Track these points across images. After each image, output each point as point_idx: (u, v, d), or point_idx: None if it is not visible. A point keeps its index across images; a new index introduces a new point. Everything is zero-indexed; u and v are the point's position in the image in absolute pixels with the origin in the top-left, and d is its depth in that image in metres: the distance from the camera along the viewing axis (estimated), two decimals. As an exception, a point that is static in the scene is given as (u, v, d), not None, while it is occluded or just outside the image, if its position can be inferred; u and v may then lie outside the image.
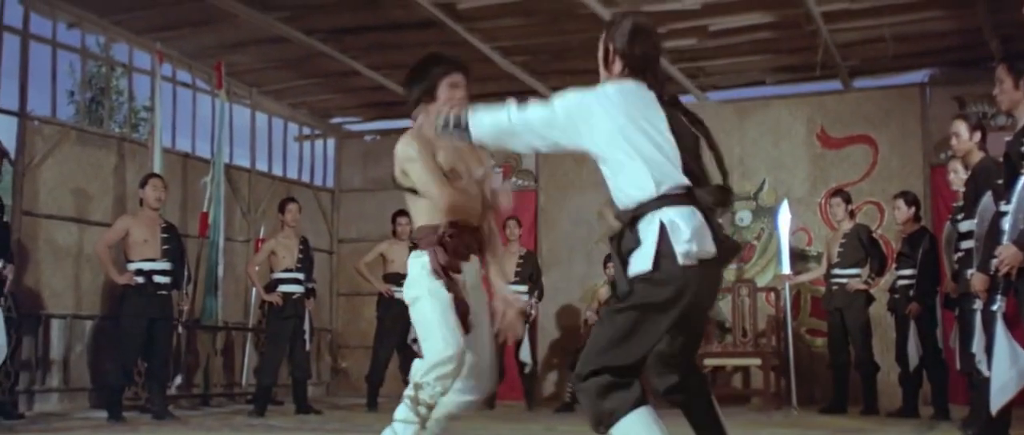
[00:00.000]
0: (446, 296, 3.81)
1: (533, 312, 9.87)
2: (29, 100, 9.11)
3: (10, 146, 8.78)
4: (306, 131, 12.71)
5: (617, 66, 3.48)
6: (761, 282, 10.39)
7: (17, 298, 8.16)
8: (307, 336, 9.05)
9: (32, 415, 8.27)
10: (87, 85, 11.96)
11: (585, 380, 3.12)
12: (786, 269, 9.29)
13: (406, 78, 4.22)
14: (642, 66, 3.46)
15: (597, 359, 3.12)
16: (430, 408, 3.72)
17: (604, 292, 9.83)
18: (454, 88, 4.07)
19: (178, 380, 9.59)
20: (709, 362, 9.72)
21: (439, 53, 4.42)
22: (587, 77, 12.18)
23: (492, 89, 11.07)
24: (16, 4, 9.07)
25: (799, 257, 10.07)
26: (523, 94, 11.20)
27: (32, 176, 9.00)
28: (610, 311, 3.23)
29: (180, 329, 9.37)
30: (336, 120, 12.84)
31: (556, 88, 11.08)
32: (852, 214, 9.13)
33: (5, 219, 7.12)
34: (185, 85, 10.93)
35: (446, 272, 3.84)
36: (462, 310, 3.83)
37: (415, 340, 9.35)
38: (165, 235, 8.27)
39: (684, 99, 10.80)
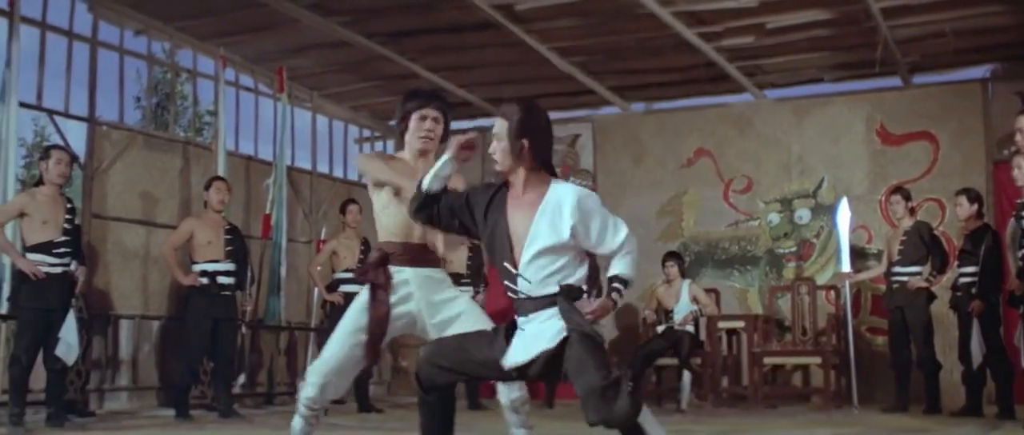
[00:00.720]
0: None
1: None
2: (98, 106, 9.33)
3: (80, 151, 9.03)
4: (366, 133, 12.87)
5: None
6: (821, 280, 10.35)
7: (88, 299, 8.39)
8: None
9: (103, 413, 8.46)
10: (153, 90, 12.21)
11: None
12: (846, 267, 9.23)
13: None
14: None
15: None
16: (309, 408, 4.27)
17: (662, 292, 9.85)
18: (423, 120, 4.49)
19: (242, 379, 9.76)
20: (768, 361, 9.70)
21: (419, 89, 4.89)
22: (643, 76, 12.24)
23: (550, 90, 11.18)
24: (85, 13, 9.30)
25: (859, 255, 10.01)
26: (580, 94, 11.28)
27: (101, 180, 9.22)
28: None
29: (244, 329, 9.52)
30: (395, 122, 12.95)
31: (613, 88, 11.26)
32: (913, 211, 9.04)
33: (77, 222, 7.29)
34: (248, 89, 11.11)
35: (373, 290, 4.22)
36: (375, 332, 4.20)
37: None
38: (229, 237, 8.41)
39: (742, 97, 10.92)
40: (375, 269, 4.24)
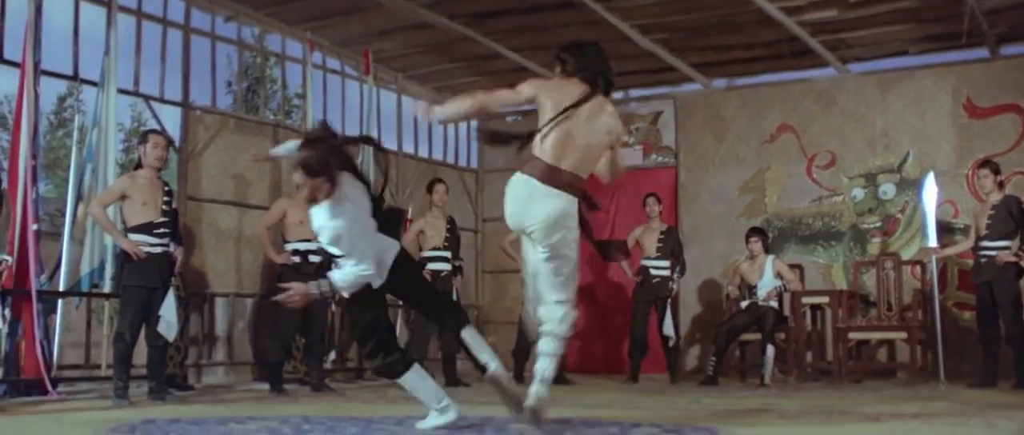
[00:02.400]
0: None
1: (675, 286, 9.97)
2: (191, 91, 9.63)
3: (175, 135, 9.33)
4: (450, 114, 13.00)
5: None
6: (906, 255, 10.27)
7: (185, 278, 8.68)
8: (455, 313, 9.30)
9: (201, 387, 8.75)
10: (243, 75, 12.50)
11: None
12: (932, 242, 9.16)
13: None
14: None
15: None
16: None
17: (745, 267, 9.87)
18: None
19: (333, 355, 10.00)
20: (853, 336, 9.68)
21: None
22: (725, 52, 12.20)
23: (632, 67, 11.22)
24: (179, 1, 9.59)
25: (945, 230, 9.91)
26: (662, 71, 11.30)
27: (195, 163, 9.51)
28: None
29: (334, 307, 9.74)
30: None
31: (695, 65, 11.24)
32: (1001, 185, 8.92)
33: (174, 205, 7.55)
34: (335, 72, 11.35)
35: None
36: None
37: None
38: (319, 217, 8.60)
39: (825, 72, 10.84)
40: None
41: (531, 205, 4.44)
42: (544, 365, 4.45)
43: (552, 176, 4.40)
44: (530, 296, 4.65)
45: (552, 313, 4.48)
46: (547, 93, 4.56)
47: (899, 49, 10.68)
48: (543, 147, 4.48)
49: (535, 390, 4.40)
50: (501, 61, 11.19)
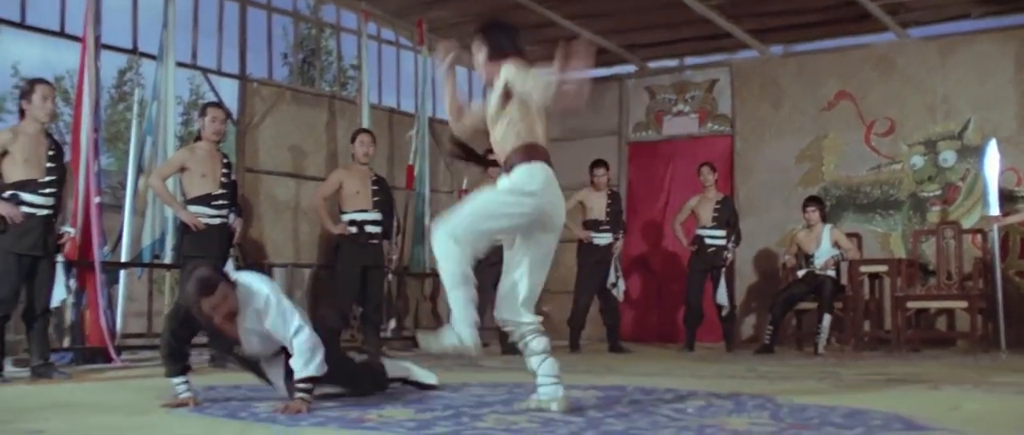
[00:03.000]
0: None
1: (730, 255, 9.93)
2: (248, 64, 9.72)
3: (232, 107, 9.44)
4: (504, 83, 13.01)
5: None
6: (967, 224, 10.13)
7: (244, 249, 8.80)
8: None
9: (260, 356, 8.87)
10: (299, 47, 12.57)
11: None
12: (994, 210, 9.03)
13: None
14: None
15: None
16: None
17: (802, 236, 9.80)
18: None
19: (392, 324, 10.10)
20: (912, 305, 9.58)
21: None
22: (782, 18, 12.06)
23: (687, 34, 11.15)
24: (234, -26, 9.67)
25: (1007, 198, 9.74)
26: (718, 37, 11.20)
27: (252, 135, 9.62)
28: None
29: (390, 276, 9.83)
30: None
31: (751, 31, 11.12)
32: (1065, 152, 8.78)
33: (233, 177, 7.64)
34: (389, 43, 11.40)
35: None
36: None
37: (614, 284, 9.63)
38: (375, 187, 8.68)
39: (884, 37, 10.68)
40: None
41: (559, 197, 4.37)
42: (551, 364, 4.33)
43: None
44: (508, 296, 4.42)
45: (531, 306, 4.39)
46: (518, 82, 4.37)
47: (960, 12, 10.46)
48: (537, 133, 4.38)
49: (553, 391, 4.27)
50: (555, 29, 11.13)
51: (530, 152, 4.29)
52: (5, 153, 6.32)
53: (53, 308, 6.71)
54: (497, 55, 4.45)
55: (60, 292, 6.77)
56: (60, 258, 6.72)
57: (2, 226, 6.22)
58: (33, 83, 6.52)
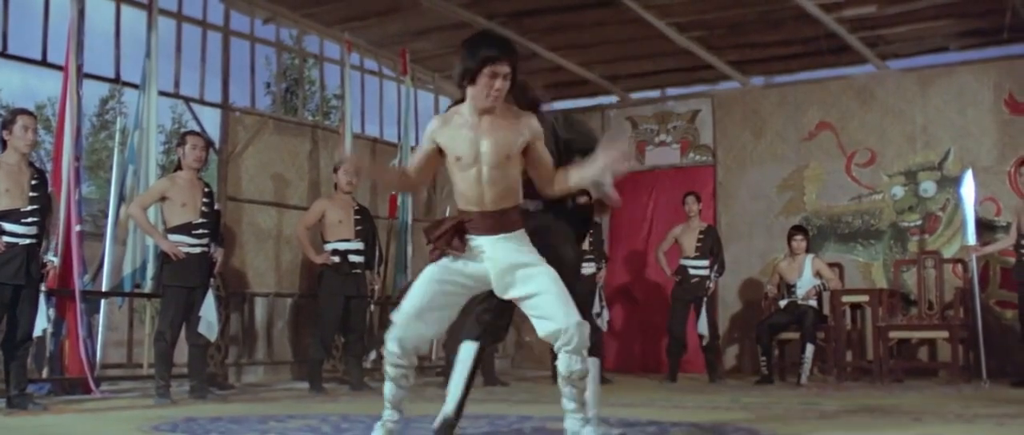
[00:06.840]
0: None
1: (712, 285, 9.94)
2: (231, 92, 9.72)
3: (215, 136, 9.42)
4: (487, 113, 13.02)
5: None
6: (947, 254, 10.17)
7: (225, 278, 8.77)
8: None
9: (241, 385, 8.84)
10: (282, 76, 12.61)
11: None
12: (972, 240, 9.09)
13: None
14: None
15: None
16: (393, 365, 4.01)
17: (784, 266, 9.83)
18: (494, 79, 4.02)
19: (373, 354, 10.05)
20: (894, 335, 9.60)
21: (487, 35, 4.40)
22: (763, 50, 12.13)
23: (669, 66, 11.20)
24: (217, 3, 9.70)
25: (987, 228, 9.80)
26: (699, 69, 11.26)
27: (235, 164, 9.60)
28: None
29: (373, 306, 9.80)
30: (460, 74, 13.07)
31: (732, 62, 11.20)
32: (1044, 182, 8.84)
33: (216, 206, 7.63)
34: (372, 73, 11.42)
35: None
36: None
37: (598, 314, 9.63)
38: (358, 217, 8.68)
39: (863, 69, 10.75)
40: (450, 237, 3.97)
41: None
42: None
43: None
44: None
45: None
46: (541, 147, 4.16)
47: (939, 45, 10.57)
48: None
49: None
50: (538, 60, 11.19)
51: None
52: (-14, 184, 6.30)
53: (34, 337, 6.66)
54: (526, 104, 4.25)
55: (41, 321, 6.73)
56: (42, 287, 6.68)
57: (-17, 256, 6.19)
58: (15, 113, 6.54)
